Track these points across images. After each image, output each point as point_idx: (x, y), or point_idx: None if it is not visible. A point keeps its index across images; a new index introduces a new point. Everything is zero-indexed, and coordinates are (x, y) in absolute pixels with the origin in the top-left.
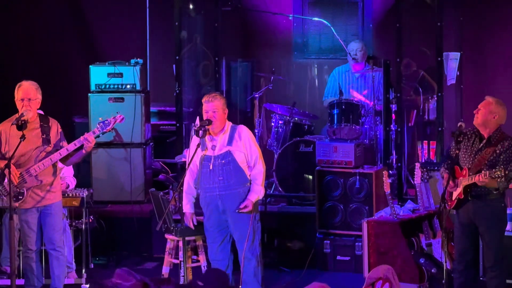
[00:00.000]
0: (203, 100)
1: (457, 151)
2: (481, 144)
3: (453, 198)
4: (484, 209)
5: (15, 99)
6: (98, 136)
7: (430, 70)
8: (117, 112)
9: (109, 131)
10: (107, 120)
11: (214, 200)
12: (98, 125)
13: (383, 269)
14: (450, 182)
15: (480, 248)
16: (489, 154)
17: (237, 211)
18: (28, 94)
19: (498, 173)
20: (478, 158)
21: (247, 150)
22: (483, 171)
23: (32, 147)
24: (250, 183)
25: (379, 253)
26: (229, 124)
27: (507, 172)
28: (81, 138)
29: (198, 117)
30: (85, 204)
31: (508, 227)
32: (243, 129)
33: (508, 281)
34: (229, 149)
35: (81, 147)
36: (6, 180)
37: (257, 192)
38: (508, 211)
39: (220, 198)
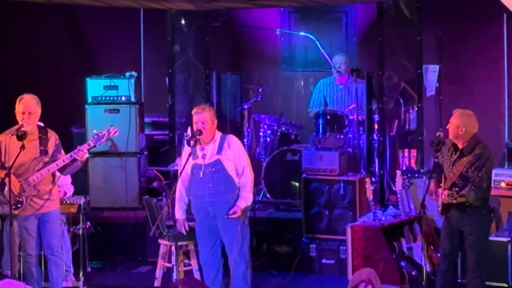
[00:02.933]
0: (192, 112)
1: (440, 160)
2: (455, 156)
3: (438, 206)
4: (468, 215)
5: (16, 111)
6: (94, 147)
7: (410, 82)
8: (111, 125)
9: (103, 143)
10: (101, 133)
11: (205, 207)
12: (92, 138)
13: (365, 272)
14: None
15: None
16: (462, 166)
17: (226, 216)
18: (28, 108)
19: (451, 196)
20: (453, 171)
21: (235, 158)
22: (446, 190)
23: (30, 158)
24: (239, 190)
25: (363, 257)
26: (218, 134)
27: (457, 196)
28: (76, 150)
29: (189, 128)
30: (82, 210)
31: None
32: (232, 139)
33: (487, 283)
34: (218, 158)
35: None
36: (6, 188)
37: (246, 199)
38: None
39: (210, 204)
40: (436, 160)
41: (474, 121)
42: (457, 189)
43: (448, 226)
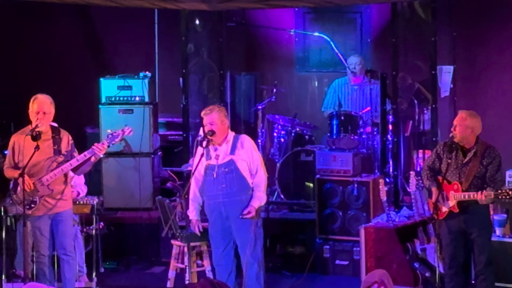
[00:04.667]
0: (201, 114)
1: (441, 162)
2: (467, 158)
3: (443, 211)
4: (474, 217)
5: (29, 111)
6: (108, 147)
7: (424, 83)
8: (125, 125)
9: (118, 142)
10: (115, 132)
11: (218, 207)
12: (107, 137)
13: (378, 273)
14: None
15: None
16: (476, 167)
17: (241, 217)
18: (42, 108)
19: (505, 193)
20: (467, 172)
21: (249, 158)
22: (485, 191)
23: (44, 158)
24: (252, 191)
25: (376, 258)
26: (231, 134)
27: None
28: (91, 149)
29: (201, 128)
30: (95, 211)
31: (497, 232)
32: (245, 138)
33: (497, 284)
34: (232, 158)
35: (91, 156)
36: (19, 188)
37: (260, 199)
38: (497, 217)
39: (223, 205)
40: (431, 163)
41: (480, 121)
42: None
43: (451, 232)
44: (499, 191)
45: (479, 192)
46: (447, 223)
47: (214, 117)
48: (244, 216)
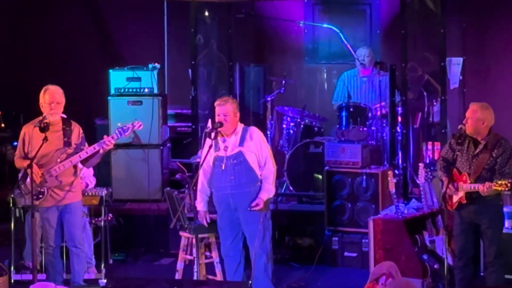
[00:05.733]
0: (215, 104)
1: (454, 154)
2: (477, 150)
3: (454, 201)
4: (485, 208)
5: (40, 102)
6: (117, 138)
7: (434, 75)
8: (135, 119)
9: (127, 136)
10: (125, 126)
11: (226, 199)
12: (116, 131)
13: (386, 265)
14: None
15: (481, 245)
16: (486, 159)
17: (249, 209)
18: (55, 98)
19: (504, 185)
20: (476, 163)
21: (258, 150)
22: (487, 183)
23: (53, 149)
24: (261, 183)
25: (385, 250)
26: (241, 126)
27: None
28: (100, 141)
29: (210, 120)
30: (104, 202)
31: (507, 225)
32: (254, 130)
33: (506, 276)
34: (240, 150)
35: (100, 149)
36: (28, 179)
37: (268, 191)
38: (507, 210)
39: (231, 196)
40: (445, 155)
41: (492, 113)
42: (510, 180)
43: (461, 223)
44: (498, 182)
45: (483, 184)
46: (458, 214)
47: (228, 109)
48: (253, 208)
